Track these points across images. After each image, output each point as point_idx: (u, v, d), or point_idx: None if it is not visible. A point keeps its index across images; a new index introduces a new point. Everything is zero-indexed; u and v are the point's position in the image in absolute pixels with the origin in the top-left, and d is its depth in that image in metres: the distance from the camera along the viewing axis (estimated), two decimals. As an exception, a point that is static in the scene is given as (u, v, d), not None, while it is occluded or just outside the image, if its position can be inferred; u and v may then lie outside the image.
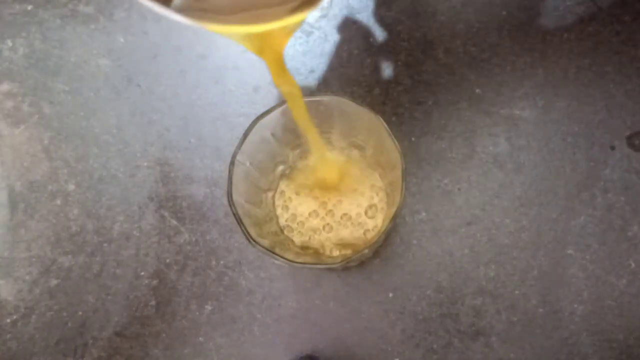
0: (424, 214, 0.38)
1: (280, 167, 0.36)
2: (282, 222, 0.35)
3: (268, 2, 0.16)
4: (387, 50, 0.41)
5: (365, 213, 0.34)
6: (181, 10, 0.15)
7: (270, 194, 0.36)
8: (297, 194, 0.35)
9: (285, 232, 0.35)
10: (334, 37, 0.41)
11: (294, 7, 0.15)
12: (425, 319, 0.37)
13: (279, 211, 0.35)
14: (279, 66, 0.21)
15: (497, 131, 0.39)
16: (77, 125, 0.41)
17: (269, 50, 0.19)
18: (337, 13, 0.42)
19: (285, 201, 0.35)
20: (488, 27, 0.40)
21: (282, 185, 0.36)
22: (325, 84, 0.41)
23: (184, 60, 0.42)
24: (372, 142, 0.34)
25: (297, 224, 0.35)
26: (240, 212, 0.28)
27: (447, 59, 0.40)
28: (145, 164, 0.41)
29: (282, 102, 0.29)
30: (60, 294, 0.39)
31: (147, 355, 0.38)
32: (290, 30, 0.18)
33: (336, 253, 0.34)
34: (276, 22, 0.15)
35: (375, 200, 0.35)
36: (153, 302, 0.39)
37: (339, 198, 0.35)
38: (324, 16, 0.42)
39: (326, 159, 0.33)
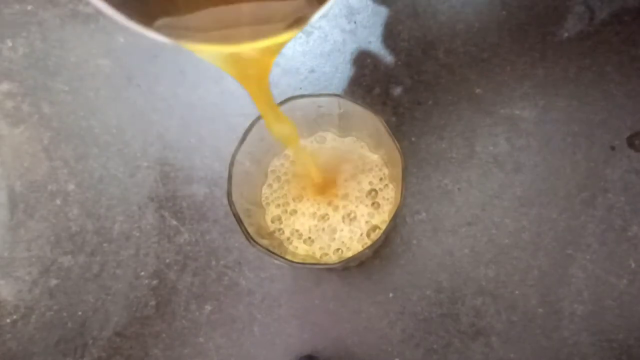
0: (424, 214, 0.38)
1: (272, 164, 0.35)
2: (270, 226, 0.34)
3: (252, 20, 0.15)
4: (387, 50, 0.41)
5: (368, 235, 0.33)
6: (161, 29, 0.15)
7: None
8: (286, 200, 0.34)
9: (276, 234, 0.34)
10: (334, 37, 0.41)
11: (286, 25, 0.15)
12: (426, 319, 0.37)
13: (267, 214, 0.34)
14: (265, 97, 0.19)
15: (497, 131, 0.39)
16: (77, 125, 0.41)
17: (252, 73, 0.18)
18: (337, 13, 0.42)
19: (267, 202, 0.35)
20: (488, 27, 0.41)
21: (265, 187, 0.34)
22: (325, 84, 0.41)
23: (184, 60, 0.42)
24: (372, 142, 0.34)
25: (289, 231, 0.34)
26: (240, 212, 0.28)
27: (447, 59, 0.40)
28: (145, 164, 0.41)
29: (282, 102, 0.29)
30: (60, 294, 0.39)
31: (147, 355, 0.38)
32: (274, 51, 0.17)
33: (332, 256, 0.34)
34: (260, 41, 0.14)
35: (378, 220, 0.33)
36: (153, 302, 0.39)
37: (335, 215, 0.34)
38: (324, 16, 0.42)
39: (302, 152, 0.32)
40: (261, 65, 0.18)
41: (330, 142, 0.35)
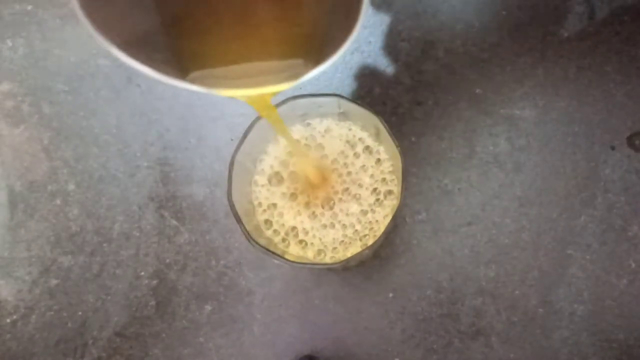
0: (424, 214, 0.38)
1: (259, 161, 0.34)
2: (264, 225, 0.33)
3: (266, 72, 0.21)
4: (387, 50, 0.41)
5: (368, 235, 0.32)
6: (195, 80, 0.20)
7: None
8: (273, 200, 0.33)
9: (271, 234, 0.33)
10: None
11: (289, 76, 0.20)
12: (426, 319, 0.37)
13: (259, 215, 0.33)
14: (264, 107, 0.25)
15: (497, 131, 0.39)
16: (77, 125, 0.41)
17: (258, 101, 0.24)
18: (337, 13, 0.42)
19: (259, 201, 0.34)
20: (488, 27, 0.41)
21: (253, 185, 0.33)
22: (325, 84, 0.41)
23: (184, 60, 0.42)
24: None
25: (285, 230, 0.33)
26: (240, 212, 0.28)
27: (447, 59, 0.40)
28: (145, 164, 0.41)
29: (281, 102, 0.29)
30: (60, 294, 0.39)
31: (147, 355, 0.38)
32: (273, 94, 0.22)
33: (331, 256, 0.33)
34: (271, 87, 0.20)
35: (379, 220, 0.32)
36: (153, 302, 0.39)
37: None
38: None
39: (303, 155, 0.33)
40: (265, 98, 0.24)
41: (329, 128, 0.34)
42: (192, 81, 0.19)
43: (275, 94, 0.21)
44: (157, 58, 0.20)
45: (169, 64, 0.20)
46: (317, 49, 0.21)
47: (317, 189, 0.34)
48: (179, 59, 0.21)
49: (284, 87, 0.20)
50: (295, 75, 0.20)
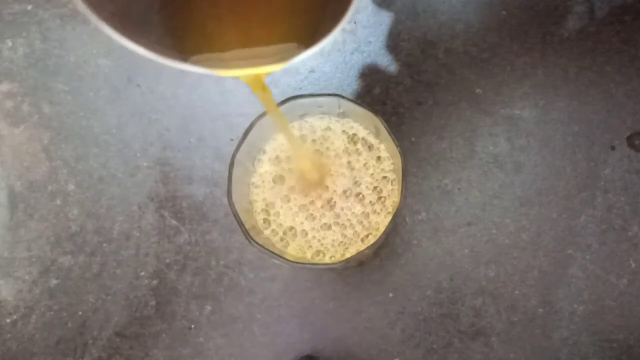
0: (424, 214, 0.38)
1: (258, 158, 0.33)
2: (262, 225, 0.33)
3: (261, 54, 0.23)
4: (387, 50, 0.41)
5: (368, 235, 0.32)
6: (198, 62, 0.20)
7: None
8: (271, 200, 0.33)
9: (269, 234, 0.33)
10: (334, 37, 0.41)
11: (281, 58, 0.22)
12: (426, 319, 0.37)
13: (257, 214, 0.33)
14: (259, 86, 0.26)
15: (497, 131, 0.39)
16: (77, 125, 0.41)
17: (254, 82, 0.26)
18: (337, 13, 0.42)
19: (256, 200, 0.33)
20: (488, 27, 0.41)
21: (251, 186, 0.33)
22: (325, 84, 0.41)
23: (184, 60, 0.42)
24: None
25: (283, 230, 0.33)
26: (240, 212, 0.28)
27: (447, 59, 0.40)
28: (145, 164, 0.41)
29: (282, 102, 0.29)
30: (60, 294, 0.39)
31: (147, 355, 0.38)
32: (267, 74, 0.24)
33: (331, 256, 0.33)
34: (267, 67, 0.22)
35: (379, 220, 0.32)
36: (153, 302, 0.39)
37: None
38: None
39: (301, 150, 0.33)
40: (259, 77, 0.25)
41: (329, 126, 0.34)
42: (194, 63, 0.20)
43: (268, 73, 0.23)
44: (153, 40, 0.20)
45: (166, 47, 0.21)
46: (310, 33, 0.22)
47: (316, 187, 0.33)
48: (176, 43, 0.22)
49: (277, 68, 0.22)
50: (287, 57, 0.21)
